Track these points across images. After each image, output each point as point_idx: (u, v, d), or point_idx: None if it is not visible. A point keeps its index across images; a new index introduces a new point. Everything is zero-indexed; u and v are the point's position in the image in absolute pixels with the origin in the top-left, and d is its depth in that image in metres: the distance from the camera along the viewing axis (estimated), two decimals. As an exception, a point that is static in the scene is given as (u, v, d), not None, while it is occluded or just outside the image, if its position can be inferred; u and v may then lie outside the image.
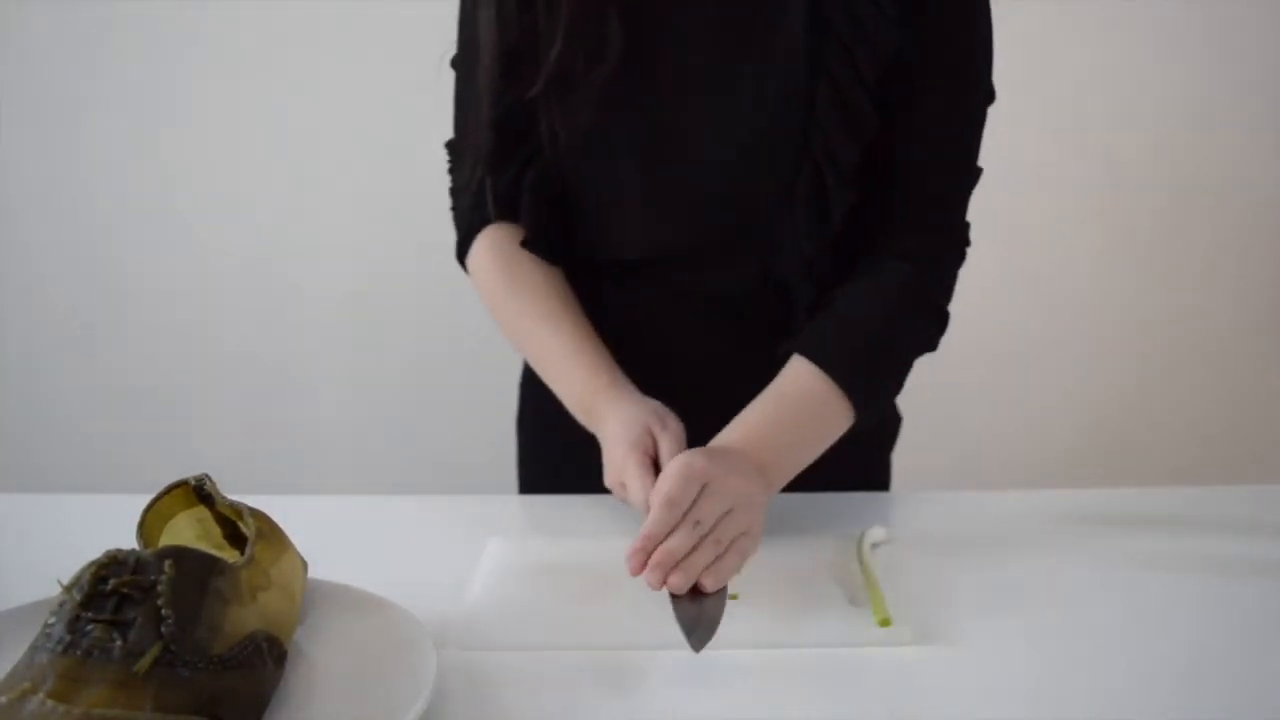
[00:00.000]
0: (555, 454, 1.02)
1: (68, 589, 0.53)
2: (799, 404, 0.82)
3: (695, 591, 0.69)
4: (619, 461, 0.78)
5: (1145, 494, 0.97)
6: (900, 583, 0.75)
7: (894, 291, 0.86)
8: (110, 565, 0.54)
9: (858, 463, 0.99)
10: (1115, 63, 1.87)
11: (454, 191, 0.98)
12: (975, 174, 0.89)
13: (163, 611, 0.52)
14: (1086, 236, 1.95)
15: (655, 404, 0.83)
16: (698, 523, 0.69)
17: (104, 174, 1.88)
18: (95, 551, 0.55)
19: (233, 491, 0.68)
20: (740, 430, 0.80)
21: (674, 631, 0.66)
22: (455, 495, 0.94)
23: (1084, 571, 0.78)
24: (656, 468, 0.77)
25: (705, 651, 0.65)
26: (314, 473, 1.99)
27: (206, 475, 0.67)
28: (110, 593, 0.53)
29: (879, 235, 0.87)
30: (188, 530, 0.67)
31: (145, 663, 0.51)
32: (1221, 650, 0.67)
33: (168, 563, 0.54)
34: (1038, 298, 1.97)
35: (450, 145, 0.98)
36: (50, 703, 0.49)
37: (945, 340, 0.89)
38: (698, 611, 0.67)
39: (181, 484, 0.67)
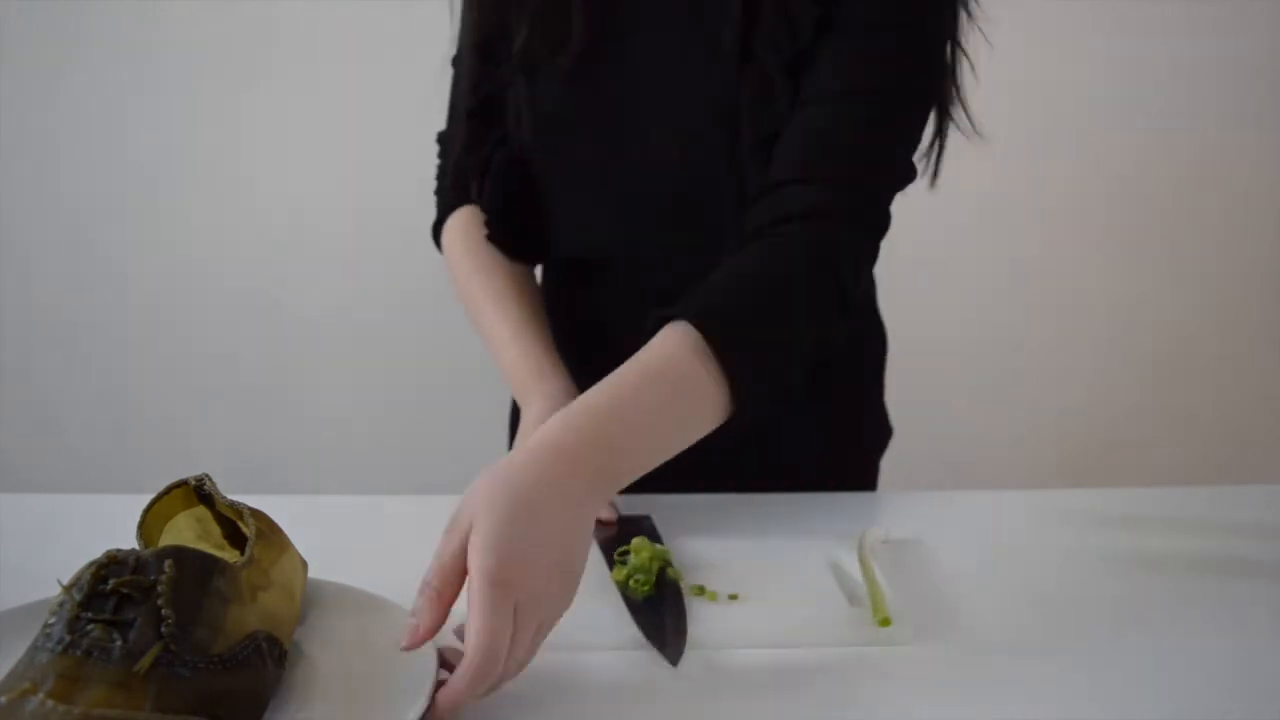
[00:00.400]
0: None
1: (68, 589, 0.53)
2: (665, 369, 0.69)
3: (650, 604, 0.69)
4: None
5: (1145, 494, 0.97)
6: (900, 583, 0.75)
7: (784, 248, 0.78)
8: (110, 565, 0.54)
9: (841, 467, 1.00)
10: (1116, 62, 1.87)
11: (439, 176, 1.05)
12: (895, 153, 0.83)
13: (163, 611, 0.52)
14: (1086, 237, 1.95)
15: (566, 397, 0.83)
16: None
17: (104, 174, 1.88)
18: (95, 551, 0.55)
19: (232, 491, 0.68)
20: (597, 398, 0.67)
21: (674, 632, 0.66)
22: (455, 495, 0.93)
23: (1084, 571, 0.78)
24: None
25: (705, 652, 0.65)
26: (314, 473, 1.99)
27: (206, 475, 0.67)
28: (110, 593, 0.53)
29: (777, 195, 0.80)
30: (188, 530, 0.67)
31: (145, 663, 0.51)
32: (1221, 650, 0.67)
33: (168, 563, 0.54)
34: (1037, 298, 1.97)
35: (440, 136, 1.04)
36: (50, 703, 0.48)
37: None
38: (660, 624, 0.67)
39: (181, 484, 0.67)
